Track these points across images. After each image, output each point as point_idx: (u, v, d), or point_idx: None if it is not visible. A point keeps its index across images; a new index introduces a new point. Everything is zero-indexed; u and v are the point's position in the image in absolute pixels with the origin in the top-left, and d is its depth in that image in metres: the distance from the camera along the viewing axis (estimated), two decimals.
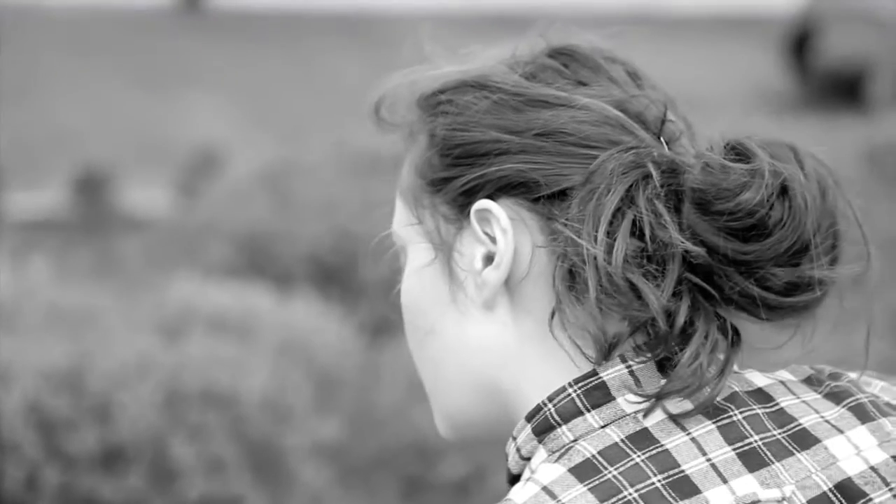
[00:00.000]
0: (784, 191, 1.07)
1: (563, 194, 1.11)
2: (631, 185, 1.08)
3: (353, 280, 5.34)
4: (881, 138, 7.47)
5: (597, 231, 1.07)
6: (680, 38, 14.01)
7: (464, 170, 1.14)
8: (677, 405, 1.08)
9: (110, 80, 12.43)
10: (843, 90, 11.82)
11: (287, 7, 16.37)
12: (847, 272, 1.10)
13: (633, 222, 1.07)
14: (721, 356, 1.09)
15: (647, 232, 1.06)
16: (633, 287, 1.06)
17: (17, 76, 12.14)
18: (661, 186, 1.08)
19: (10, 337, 3.96)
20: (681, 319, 1.07)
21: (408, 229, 1.18)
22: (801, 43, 12.56)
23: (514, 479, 1.13)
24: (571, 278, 1.09)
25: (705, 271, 1.08)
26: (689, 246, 1.06)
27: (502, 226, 1.12)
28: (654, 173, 1.08)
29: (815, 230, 1.07)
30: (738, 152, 1.09)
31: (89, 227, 7.58)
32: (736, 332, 1.10)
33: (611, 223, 1.07)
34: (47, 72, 12.61)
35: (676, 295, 1.07)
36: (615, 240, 1.06)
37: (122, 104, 11.57)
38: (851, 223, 1.11)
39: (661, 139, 1.13)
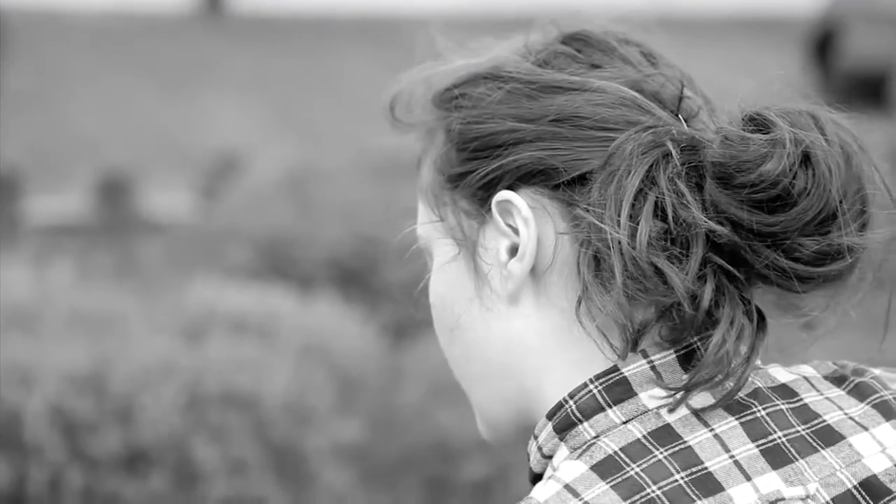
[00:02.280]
0: (807, 159, 1.04)
1: (583, 179, 1.09)
2: (651, 166, 1.06)
3: (375, 282, 5.34)
4: None
5: (619, 215, 1.05)
6: (701, 39, 13.98)
7: (481, 162, 1.12)
8: (700, 399, 1.07)
9: (131, 84, 12.46)
10: (867, 90, 11.78)
11: (308, 11, 16.39)
12: (878, 237, 1.08)
13: (656, 204, 1.05)
14: (744, 348, 1.06)
15: (670, 213, 1.04)
16: (658, 271, 1.04)
17: (37, 81, 12.18)
18: (682, 164, 1.05)
19: (33, 340, 3.96)
20: (705, 302, 1.04)
21: (431, 227, 1.17)
22: (823, 44, 12.52)
23: (537, 478, 1.12)
24: (596, 265, 1.07)
25: (731, 251, 1.06)
26: (713, 225, 1.04)
27: (523, 216, 1.10)
28: (674, 151, 1.06)
29: (841, 197, 1.04)
30: (758, 123, 1.06)
31: (111, 230, 7.59)
32: (761, 315, 1.08)
33: (633, 206, 1.05)
34: (68, 76, 12.65)
35: (701, 278, 1.05)
36: (638, 223, 1.04)
37: (142, 108, 11.59)
38: (879, 187, 1.08)
39: (680, 116, 1.11)
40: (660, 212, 1.05)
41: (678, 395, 1.06)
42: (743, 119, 1.07)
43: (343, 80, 12.35)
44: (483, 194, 1.13)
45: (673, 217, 1.05)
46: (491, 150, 1.12)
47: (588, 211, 1.07)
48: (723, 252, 1.06)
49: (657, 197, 1.05)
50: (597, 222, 1.06)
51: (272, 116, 11.40)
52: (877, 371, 1.17)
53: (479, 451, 4.13)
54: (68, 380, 3.77)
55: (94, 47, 14.09)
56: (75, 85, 12.30)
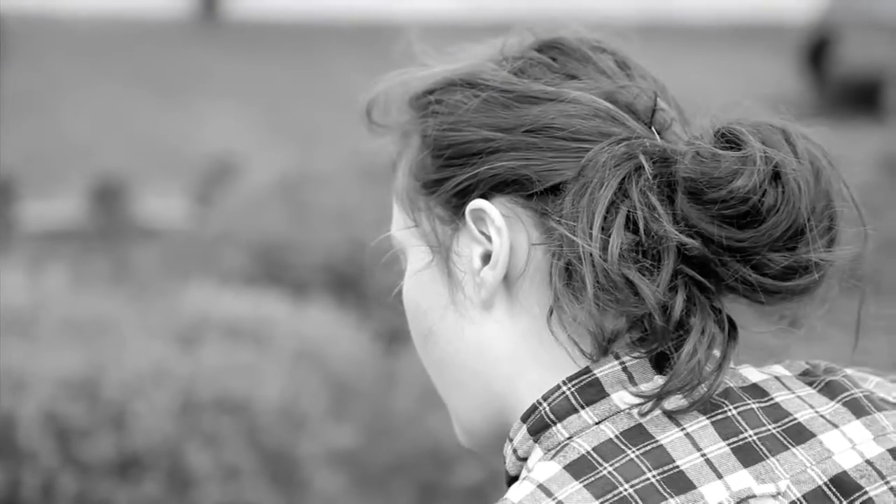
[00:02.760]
0: (776, 176, 1.06)
1: (556, 189, 1.10)
2: (624, 178, 1.07)
3: (368, 288, 5.35)
4: None
5: (591, 227, 1.06)
6: (695, 46, 14.01)
7: (456, 170, 1.14)
8: (672, 401, 1.08)
9: (126, 89, 12.46)
10: (860, 98, 11.80)
11: (302, 17, 16.41)
12: (845, 253, 1.09)
13: (627, 216, 1.06)
14: (717, 353, 1.08)
15: (642, 225, 1.06)
16: (630, 283, 1.05)
17: (33, 86, 12.18)
18: (654, 177, 1.07)
19: (27, 345, 3.97)
20: (676, 314, 1.06)
21: (405, 232, 1.18)
22: (818, 51, 12.54)
23: (513, 480, 1.13)
24: (568, 275, 1.08)
25: (701, 263, 1.07)
26: (684, 238, 1.05)
27: (497, 225, 1.11)
28: (646, 164, 1.07)
29: (809, 213, 1.06)
30: (729, 139, 1.08)
31: (105, 236, 7.60)
32: (732, 324, 1.10)
33: (605, 218, 1.06)
34: (63, 82, 12.65)
35: (672, 289, 1.06)
36: (610, 235, 1.06)
37: (137, 114, 11.60)
38: (847, 202, 1.10)
39: (653, 128, 1.13)
40: (631, 224, 1.06)
41: (652, 402, 1.07)
42: (714, 134, 1.08)
43: (337, 86, 12.35)
44: (458, 201, 1.14)
45: (644, 230, 1.06)
46: (466, 159, 1.13)
47: (560, 223, 1.08)
48: (693, 263, 1.07)
49: (629, 210, 1.06)
50: (569, 235, 1.07)
51: (267, 122, 11.40)
52: (849, 370, 1.18)
53: (471, 457, 4.14)
54: (62, 385, 3.78)
55: (89, 53, 14.09)
56: (71, 90, 12.31)
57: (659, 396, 1.07)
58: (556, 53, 1.17)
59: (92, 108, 11.72)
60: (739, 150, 1.06)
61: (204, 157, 8.82)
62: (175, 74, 13.19)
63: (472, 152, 1.13)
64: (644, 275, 1.06)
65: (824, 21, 12.63)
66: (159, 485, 3.74)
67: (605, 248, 1.06)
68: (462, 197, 1.13)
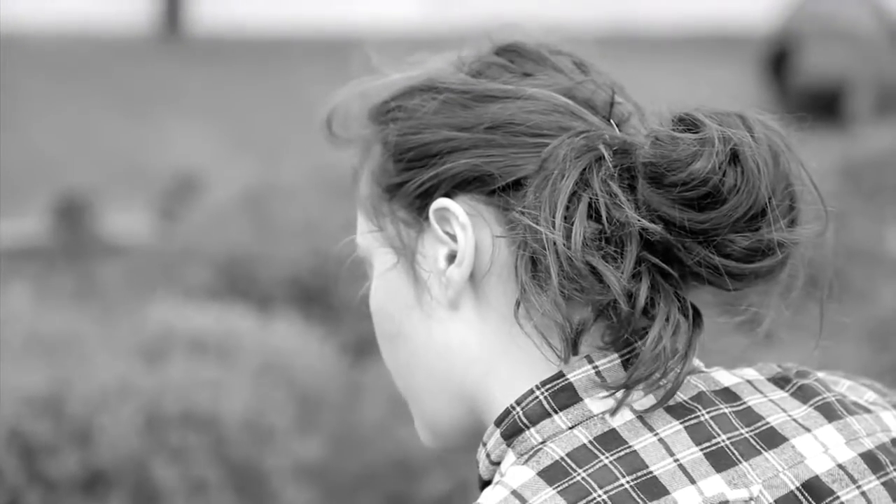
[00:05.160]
0: (735, 157, 1.06)
1: (518, 184, 1.11)
2: (584, 169, 1.08)
3: (334, 301, 5.35)
4: (858, 153, 7.50)
5: (554, 216, 1.07)
6: (657, 56, 14.06)
7: (417, 172, 1.14)
8: (642, 401, 1.08)
9: (90, 105, 12.43)
10: (821, 107, 11.86)
11: (266, 31, 16.40)
12: (806, 232, 1.09)
13: (590, 205, 1.07)
14: (680, 345, 1.08)
15: (604, 213, 1.06)
16: (594, 270, 1.06)
17: None
18: (615, 167, 1.07)
19: None
20: (641, 300, 1.06)
21: (369, 237, 1.19)
22: (779, 60, 12.61)
23: (486, 484, 1.13)
24: (534, 267, 1.09)
25: (664, 250, 1.08)
26: (646, 224, 1.06)
27: (461, 222, 1.12)
28: (606, 154, 1.08)
29: (770, 193, 1.06)
30: (687, 123, 1.08)
31: (70, 252, 7.56)
32: (697, 312, 1.10)
33: (567, 207, 1.07)
34: (26, 98, 12.61)
35: (636, 276, 1.07)
36: (573, 224, 1.06)
37: (101, 129, 11.57)
38: (806, 184, 1.10)
39: (611, 121, 1.13)
40: (594, 213, 1.07)
41: (619, 395, 1.08)
42: (672, 120, 1.09)
43: (300, 99, 12.35)
44: (420, 203, 1.14)
45: (607, 217, 1.06)
46: (427, 160, 1.14)
47: (523, 213, 1.08)
48: (656, 251, 1.08)
49: (591, 198, 1.07)
50: (532, 224, 1.08)
51: (230, 136, 11.39)
52: (820, 373, 1.18)
53: (439, 467, 4.14)
54: (26, 402, 3.76)
55: (53, 68, 14.05)
56: (34, 106, 12.27)
57: (626, 386, 1.07)
58: (513, 55, 1.18)
59: (56, 124, 11.68)
60: (698, 132, 1.07)
61: (168, 172, 8.80)
62: (139, 89, 13.16)
63: (432, 153, 1.14)
64: (608, 262, 1.06)
65: (784, 31, 12.69)
66: (125, 500, 3.73)
67: (568, 237, 1.06)
68: (424, 198, 1.14)
